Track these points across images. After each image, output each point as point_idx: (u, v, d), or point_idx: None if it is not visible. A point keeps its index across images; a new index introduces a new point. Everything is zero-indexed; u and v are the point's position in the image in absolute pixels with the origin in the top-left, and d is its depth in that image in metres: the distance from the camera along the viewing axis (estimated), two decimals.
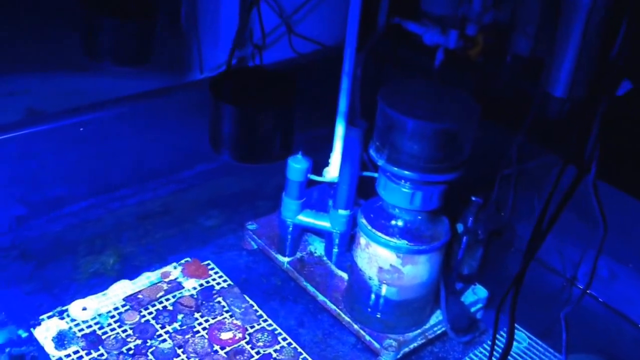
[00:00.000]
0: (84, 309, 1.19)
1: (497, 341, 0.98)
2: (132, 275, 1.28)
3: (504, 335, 1.17)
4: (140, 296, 1.23)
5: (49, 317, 1.17)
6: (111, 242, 1.34)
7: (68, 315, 1.18)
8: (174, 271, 1.30)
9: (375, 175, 1.14)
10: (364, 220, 1.13)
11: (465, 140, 1.07)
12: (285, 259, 1.31)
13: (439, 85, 1.14)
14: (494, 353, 1.00)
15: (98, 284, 1.25)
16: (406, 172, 1.04)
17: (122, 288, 1.25)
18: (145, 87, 1.42)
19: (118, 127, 1.37)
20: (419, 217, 1.11)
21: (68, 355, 1.12)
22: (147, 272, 1.28)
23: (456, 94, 1.09)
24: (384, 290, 1.14)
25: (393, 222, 1.11)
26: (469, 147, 1.08)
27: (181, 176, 1.51)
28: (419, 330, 1.18)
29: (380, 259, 1.12)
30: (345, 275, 1.27)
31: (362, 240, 1.14)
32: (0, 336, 1.13)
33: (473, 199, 1.16)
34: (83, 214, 1.37)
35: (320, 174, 1.27)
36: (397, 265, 1.11)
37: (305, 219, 1.28)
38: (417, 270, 1.12)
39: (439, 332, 1.20)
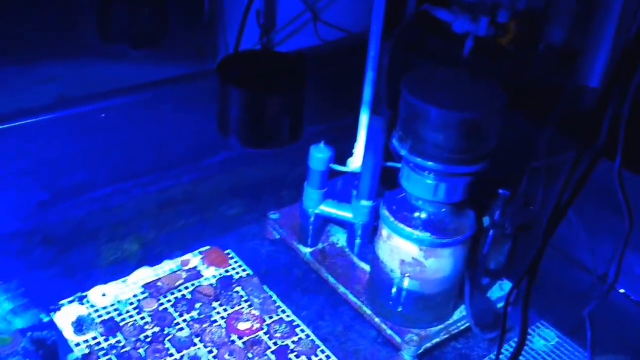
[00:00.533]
0: (104, 295, 1.19)
1: (511, 338, 0.95)
2: (153, 262, 1.27)
3: (532, 332, 1.19)
4: (159, 284, 1.23)
5: (69, 303, 1.17)
6: (133, 229, 1.34)
7: (88, 301, 1.18)
8: (194, 259, 1.29)
9: (399, 166, 1.12)
10: (386, 212, 1.12)
11: (491, 131, 1.04)
12: (307, 250, 1.29)
13: (466, 75, 1.11)
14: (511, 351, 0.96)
15: (119, 270, 1.25)
16: (430, 163, 1.02)
17: (142, 275, 1.25)
18: (168, 73, 1.42)
19: (140, 114, 1.37)
20: (443, 210, 1.09)
21: (87, 341, 1.12)
22: (168, 260, 1.28)
23: (483, 83, 1.07)
24: (406, 283, 1.12)
25: (416, 214, 1.09)
26: (495, 138, 1.05)
27: (204, 164, 1.50)
28: (442, 326, 1.16)
29: (402, 252, 1.10)
30: (367, 268, 1.25)
31: (385, 232, 1.12)
32: (23, 320, 1.14)
33: (500, 192, 1.13)
34: (105, 201, 1.37)
35: (344, 164, 1.25)
36: (419, 258, 1.09)
37: (327, 209, 1.27)
38: (441, 264, 1.10)
39: (463, 328, 1.17)
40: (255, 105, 1.21)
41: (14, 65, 1.58)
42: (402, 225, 1.09)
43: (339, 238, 1.33)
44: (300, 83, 1.24)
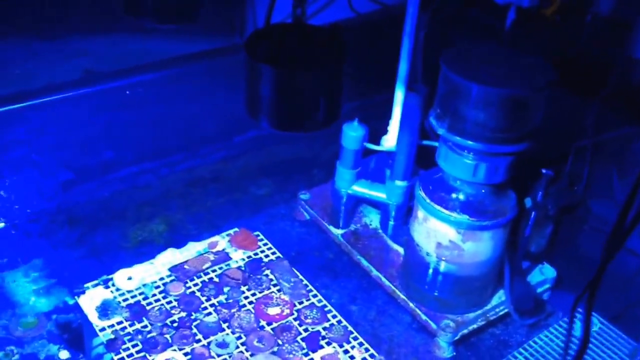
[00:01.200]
0: (129, 278, 1.17)
1: (561, 328, 0.91)
2: (179, 244, 1.25)
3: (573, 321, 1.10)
4: (186, 267, 1.20)
5: (93, 286, 1.16)
6: (160, 210, 1.32)
7: (113, 284, 1.16)
8: (221, 241, 1.26)
9: (435, 144, 1.08)
10: (422, 193, 1.08)
11: (536, 108, 0.99)
12: (339, 231, 1.27)
13: (508, 49, 1.06)
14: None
15: (146, 252, 1.24)
16: (469, 142, 0.98)
17: (168, 257, 1.22)
18: (196, 48, 1.40)
19: (167, 90, 1.35)
20: (483, 191, 1.05)
21: (111, 326, 1.10)
22: (195, 241, 1.26)
23: (527, 58, 1.02)
24: (442, 267, 1.09)
25: (454, 195, 1.06)
26: (540, 117, 1.00)
27: (232, 142, 1.48)
28: (479, 311, 1.13)
29: (439, 234, 1.07)
30: (401, 250, 1.22)
31: (420, 213, 1.09)
32: (47, 302, 1.14)
33: (543, 171, 1.09)
34: (131, 180, 1.36)
35: (378, 142, 1.22)
36: (457, 241, 1.06)
37: (360, 189, 1.24)
38: (479, 247, 1.06)
39: (501, 313, 1.15)
40: (287, 84, 1.12)
41: (43, 40, 1.56)
42: (438, 207, 1.05)
43: (372, 219, 1.30)
44: (337, 58, 1.16)
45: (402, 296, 1.15)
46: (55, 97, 1.23)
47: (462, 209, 1.04)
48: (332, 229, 1.27)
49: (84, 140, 1.29)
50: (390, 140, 1.21)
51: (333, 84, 1.16)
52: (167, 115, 1.38)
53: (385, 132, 1.22)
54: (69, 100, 1.25)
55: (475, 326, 1.12)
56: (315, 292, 1.18)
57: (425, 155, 1.15)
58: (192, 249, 1.24)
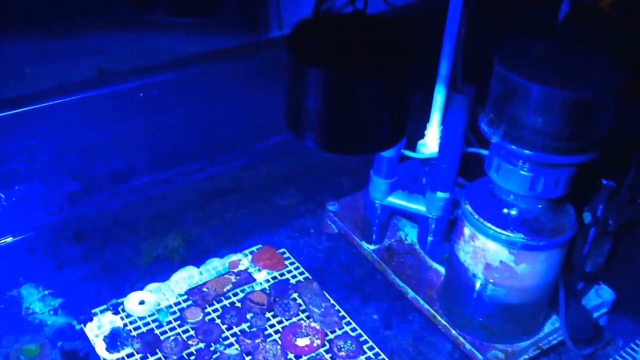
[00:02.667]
0: (142, 302, 1.09)
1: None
2: (197, 261, 1.19)
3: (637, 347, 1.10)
4: (205, 289, 1.12)
5: (101, 312, 1.08)
6: (175, 224, 1.27)
7: (123, 310, 1.08)
8: (243, 260, 1.19)
9: (483, 152, 1.04)
10: (469, 207, 1.01)
11: (603, 113, 0.92)
12: (371, 247, 1.21)
13: (569, 45, 0.99)
14: None
15: (160, 270, 1.18)
16: (527, 152, 0.92)
17: (185, 277, 1.15)
18: (214, 45, 1.32)
19: (183, 92, 1.27)
20: (539, 206, 0.98)
21: (121, 359, 1.00)
22: (215, 258, 1.20)
23: (589, 54, 0.95)
24: (490, 290, 1.02)
25: (505, 211, 0.99)
26: (608, 123, 0.93)
27: (254, 149, 1.42)
28: (530, 340, 1.06)
29: (488, 255, 1.00)
30: (441, 269, 1.17)
31: (467, 230, 1.02)
32: (53, 327, 1.06)
33: (604, 182, 1.02)
34: (144, 191, 1.30)
35: (414, 148, 1.15)
36: (509, 262, 0.99)
37: (396, 201, 1.18)
38: (534, 269, 0.99)
39: (554, 342, 1.08)
40: (343, 92, 0.90)
41: (56, 37, 1.55)
42: (489, 224, 0.98)
43: (407, 233, 1.24)
44: (406, 60, 0.94)
45: (443, 322, 1.09)
46: (59, 100, 1.16)
47: (516, 226, 0.97)
48: (363, 244, 1.22)
49: (92, 147, 1.22)
50: (429, 146, 1.14)
51: (400, 94, 0.95)
52: (183, 120, 1.31)
53: (421, 136, 1.16)
54: (75, 104, 1.18)
55: (526, 357, 1.05)
56: (348, 318, 1.11)
57: (465, 162, 1.11)
58: (212, 269, 1.17)
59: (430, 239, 1.18)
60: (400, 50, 0.93)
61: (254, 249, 1.22)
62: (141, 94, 1.21)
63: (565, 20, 1.10)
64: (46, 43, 1.52)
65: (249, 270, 1.17)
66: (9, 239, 1.19)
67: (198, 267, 1.17)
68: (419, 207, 1.16)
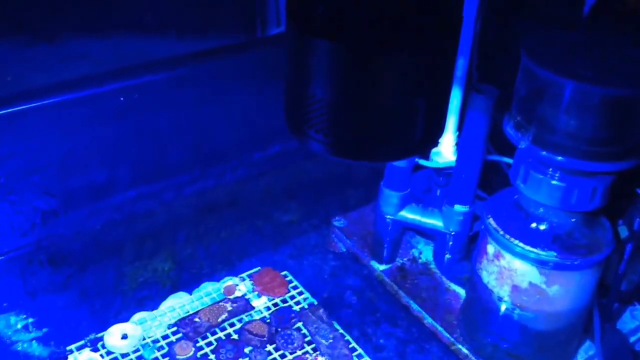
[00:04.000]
0: (124, 337, 0.99)
1: None
2: (189, 286, 1.14)
3: None
4: (197, 319, 1.04)
5: (78, 349, 0.98)
6: (164, 244, 1.21)
7: (103, 346, 0.99)
8: (241, 284, 1.12)
9: (506, 159, 1.01)
10: (493, 222, 0.95)
11: None
12: (382, 266, 1.17)
13: (601, 37, 0.92)
14: None
15: (148, 296, 1.13)
16: (559, 158, 0.86)
17: (175, 305, 1.07)
18: (206, 45, 1.27)
19: (171, 96, 1.20)
20: (572, 220, 0.92)
21: None
22: (208, 282, 1.12)
23: (623, 47, 0.89)
24: (517, 315, 0.97)
25: (534, 225, 0.93)
26: None
27: (251, 159, 1.34)
28: None
29: (515, 275, 0.94)
30: (460, 290, 1.12)
31: (490, 248, 0.96)
32: None
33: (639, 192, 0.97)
34: (128, 207, 1.22)
35: (425, 156, 1.11)
36: (539, 284, 0.93)
37: (409, 215, 1.12)
38: (568, 291, 0.93)
39: None
40: (361, 73, 0.67)
41: (40, 42, 1.47)
42: (516, 241, 0.92)
43: (421, 250, 1.20)
44: (446, 29, 0.72)
45: (465, 350, 1.04)
46: (29, 105, 1.08)
47: (546, 243, 0.92)
48: (373, 263, 1.17)
49: (68, 158, 1.14)
50: (443, 155, 1.09)
51: (440, 74, 0.73)
52: (171, 127, 1.24)
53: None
54: (48, 109, 1.09)
55: None
56: (359, 350, 1.02)
57: (484, 172, 1.06)
58: (204, 295, 1.09)
59: (447, 257, 1.14)
60: (437, 17, 0.71)
61: (252, 271, 1.16)
62: (122, 98, 1.13)
63: (590, 13, 1.03)
64: (30, 47, 1.41)
65: (246, 297, 1.09)
66: None
67: (190, 293, 1.10)
68: (435, 222, 1.11)
